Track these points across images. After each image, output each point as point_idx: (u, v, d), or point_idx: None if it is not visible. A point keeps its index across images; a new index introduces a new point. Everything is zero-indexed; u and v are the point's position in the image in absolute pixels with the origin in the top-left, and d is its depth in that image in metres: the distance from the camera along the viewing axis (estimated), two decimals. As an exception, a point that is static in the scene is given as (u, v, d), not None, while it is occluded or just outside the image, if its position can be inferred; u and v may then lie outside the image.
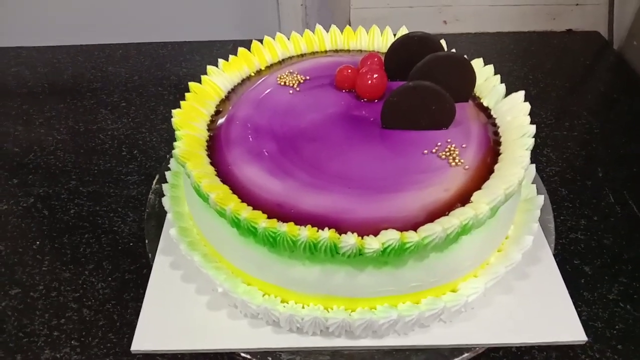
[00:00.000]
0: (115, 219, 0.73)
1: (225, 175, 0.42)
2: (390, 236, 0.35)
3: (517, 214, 0.45)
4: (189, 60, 1.07)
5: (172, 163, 0.51)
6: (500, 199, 0.38)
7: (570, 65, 1.05)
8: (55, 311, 0.62)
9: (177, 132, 0.43)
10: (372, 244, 0.35)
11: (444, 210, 0.38)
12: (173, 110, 0.46)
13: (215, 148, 0.44)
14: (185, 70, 1.03)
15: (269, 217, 0.38)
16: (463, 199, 0.39)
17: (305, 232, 0.35)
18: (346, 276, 0.37)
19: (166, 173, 0.49)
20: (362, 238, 0.36)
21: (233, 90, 0.51)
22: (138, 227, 0.72)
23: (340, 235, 0.36)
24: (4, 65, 1.05)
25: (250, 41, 0.57)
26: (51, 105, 0.95)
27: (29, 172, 0.81)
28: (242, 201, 0.39)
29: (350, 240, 0.35)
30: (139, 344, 0.39)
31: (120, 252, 0.69)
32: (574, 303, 0.59)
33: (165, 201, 0.46)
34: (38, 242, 0.69)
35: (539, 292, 0.42)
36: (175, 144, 0.42)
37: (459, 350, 0.39)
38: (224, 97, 0.50)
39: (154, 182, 0.53)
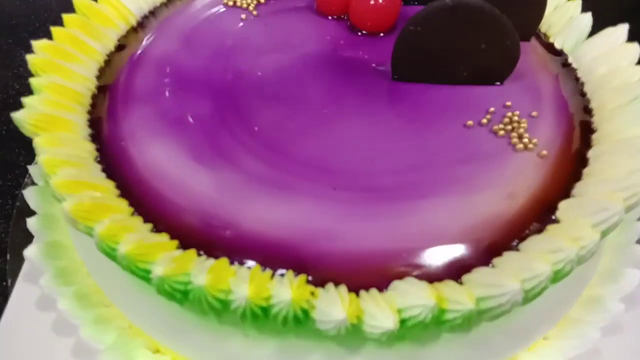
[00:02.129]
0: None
1: (113, 160, 0.23)
2: (415, 300, 0.18)
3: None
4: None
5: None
6: (615, 218, 0.20)
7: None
8: None
9: (33, 81, 0.25)
10: (380, 317, 0.17)
11: (509, 235, 0.21)
12: (33, 42, 0.27)
13: (105, 110, 0.26)
14: None
15: (183, 244, 0.20)
16: (541, 213, 0.22)
17: (245, 290, 0.18)
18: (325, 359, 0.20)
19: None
20: (358, 296, 0.18)
21: (152, 13, 0.32)
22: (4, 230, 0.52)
23: (315, 288, 0.18)
24: None
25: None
26: None
27: None
28: (136, 211, 0.21)
29: (334, 312, 0.17)
30: None
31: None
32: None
33: (30, 194, 0.28)
34: None
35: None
36: (25, 100, 0.24)
37: None
38: (134, 25, 0.31)
39: (32, 165, 0.34)
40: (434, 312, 0.18)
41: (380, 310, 0.18)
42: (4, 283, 0.30)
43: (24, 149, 0.58)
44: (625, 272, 0.26)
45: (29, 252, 0.26)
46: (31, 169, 0.30)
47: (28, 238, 0.30)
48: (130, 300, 0.23)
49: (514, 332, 0.23)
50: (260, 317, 0.18)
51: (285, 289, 0.18)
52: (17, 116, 0.23)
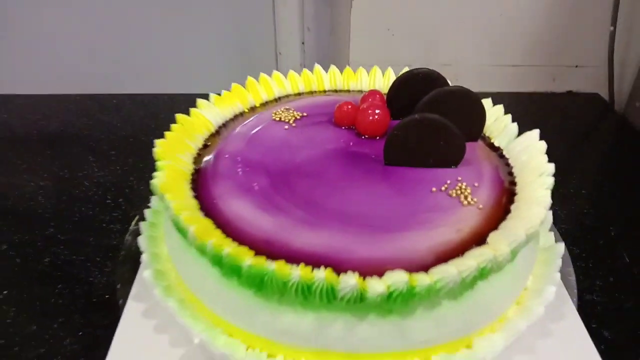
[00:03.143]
0: (92, 269, 0.67)
1: (209, 210, 0.37)
2: (397, 278, 0.30)
3: (536, 265, 0.41)
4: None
5: (153, 201, 0.46)
6: (521, 240, 0.33)
7: (573, 126, 1.03)
8: (14, 371, 0.55)
9: (158, 163, 0.39)
10: (376, 286, 0.30)
11: (456, 252, 0.34)
12: (156, 141, 0.42)
13: (200, 182, 0.40)
14: (180, 121, 1.01)
15: (256, 255, 0.33)
16: (478, 240, 0.35)
17: (298, 272, 0.30)
18: (344, 326, 0.32)
19: (145, 211, 0.45)
20: (364, 279, 0.31)
21: (224, 125, 0.48)
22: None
23: (338, 275, 0.31)
24: (-8, 111, 1.02)
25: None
26: (36, 151, 0.92)
27: (4, 217, 0.76)
28: (227, 237, 0.34)
29: (350, 280, 0.30)
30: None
31: (94, 305, 0.63)
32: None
33: (142, 240, 0.41)
34: (5, 292, 0.63)
35: (565, 351, 0.37)
36: (155, 174, 0.38)
37: (476, 420, 0.33)
38: (213, 132, 0.47)
39: (133, 223, 0.48)
40: (407, 286, 0.30)
41: (377, 283, 0.30)
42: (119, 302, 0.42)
43: (92, 231, 0.73)
44: (546, 288, 0.38)
45: (145, 274, 0.38)
46: (142, 224, 0.44)
47: (131, 275, 0.43)
48: (216, 299, 0.36)
49: (467, 319, 0.34)
50: (306, 292, 0.31)
51: (321, 273, 0.31)
52: (153, 182, 0.37)
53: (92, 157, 0.90)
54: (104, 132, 0.98)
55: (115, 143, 0.94)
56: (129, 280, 0.42)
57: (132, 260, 0.44)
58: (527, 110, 1.06)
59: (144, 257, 0.40)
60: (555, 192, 0.88)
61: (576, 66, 1.06)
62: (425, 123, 0.40)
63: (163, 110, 1.03)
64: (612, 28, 0.97)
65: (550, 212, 0.45)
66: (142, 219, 0.47)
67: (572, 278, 0.43)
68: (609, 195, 0.84)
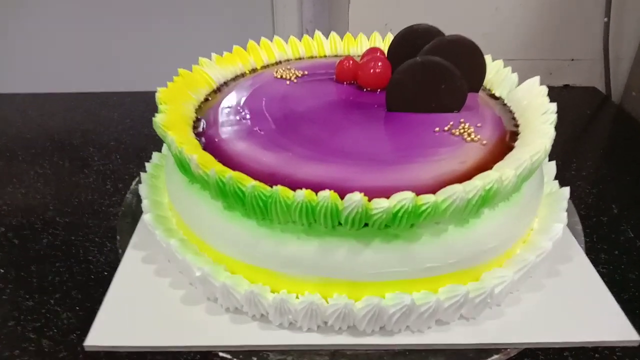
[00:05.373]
0: (91, 249, 0.66)
1: (211, 149, 0.37)
2: (402, 196, 0.30)
3: (542, 208, 0.40)
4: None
5: (154, 156, 0.46)
6: (526, 165, 0.33)
7: (572, 117, 1.03)
8: (10, 342, 0.54)
9: (160, 106, 0.39)
10: (381, 202, 0.29)
11: (461, 181, 0.33)
12: (158, 88, 0.42)
13: (202, 127, 0.40)
14: (180, 114, 1.01)
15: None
16: (482, 170, 0.34)
17: (302, 193, 0.30)
18: (349, 253, 0.31)
19: (146, 164, 0.44)
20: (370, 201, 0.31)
21: (225, 83, 0.48)
22: (115, 257, 0.65)
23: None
24: (-6, 109, 1.03)
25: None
26: (37, 144, 0.92)
27: (4, 203, 0.75)
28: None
29: (355, 196, 0.29)
30: (95, 339, 0.32)
31: (93, 281, 0.62)
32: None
33: (143, 188, 0.41)
34: (2, 271, 0.63)
35: (575, 290, 0.36)
36: (156, 114, 0.38)
37: (485, 351, 0.32)
38: (215, 88, 0.46)
39: (133, 183, 0.47)
40: (413, 204, 0.30)
41: (382, 201, 0.30)
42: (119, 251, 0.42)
43: (92, 214, 0.72)
44: (554, 226, 0.37)
45: (146, 217, 0.38)
46: (143, 175, 0.43)
47: (130, 228, 0.43)
48: (218, 234, 0.35)
49: (473, 246, 0.33)
50: (310, 215, 0.30)
51: (326, 193, 0.30)
52: (155, 120, 0.37)
53: (93, 147, 0.90)
54: (104, 125, 0.98)
55: (115, 135, 0.94)
56: (128, 232, 0.42)
57: (132, 215, 0.44)
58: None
59: (144, 204, 0.39)
60: (557, 176, 0.89)
61: (572, 60, 1.06)
62: (427, 66, 0.40)
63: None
64: (605, 19, 0.98)
65: (554, 163, 0.45)
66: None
67: (579, 227, 0.43)
68: (610, 176, 0.84)
